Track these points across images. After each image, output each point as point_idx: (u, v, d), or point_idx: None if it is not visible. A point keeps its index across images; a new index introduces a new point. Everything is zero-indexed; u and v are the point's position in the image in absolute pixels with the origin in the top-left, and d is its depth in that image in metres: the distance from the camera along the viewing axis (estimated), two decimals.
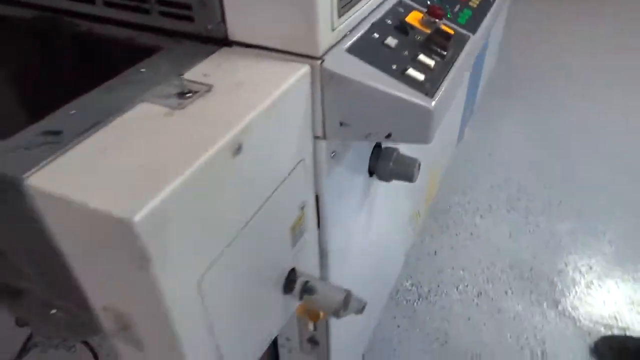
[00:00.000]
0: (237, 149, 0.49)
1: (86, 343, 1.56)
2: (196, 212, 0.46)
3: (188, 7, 0.64)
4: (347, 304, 0.69)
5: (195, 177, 0.44)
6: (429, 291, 1.72)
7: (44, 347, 1.42)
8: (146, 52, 0.64)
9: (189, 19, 0.64)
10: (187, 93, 0.54)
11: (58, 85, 0.73)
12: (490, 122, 2.50)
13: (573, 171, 2.20)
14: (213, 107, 0.52)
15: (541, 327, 1.60)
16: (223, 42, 0.64)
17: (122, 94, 0.54)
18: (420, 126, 0.63)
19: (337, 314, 0.69)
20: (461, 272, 1.79)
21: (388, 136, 0.64)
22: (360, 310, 0.78)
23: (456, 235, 1.93)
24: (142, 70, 0.59)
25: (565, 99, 2.68)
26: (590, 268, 1.78)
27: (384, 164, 0.89)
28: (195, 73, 0.58)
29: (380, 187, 1.02)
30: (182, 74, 0.55)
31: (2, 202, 0.47)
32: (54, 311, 0.64)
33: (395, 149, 0.90)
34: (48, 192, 0.42)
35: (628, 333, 1.57)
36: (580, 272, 1.77)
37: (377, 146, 0.90)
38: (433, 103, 0.61)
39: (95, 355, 1.53)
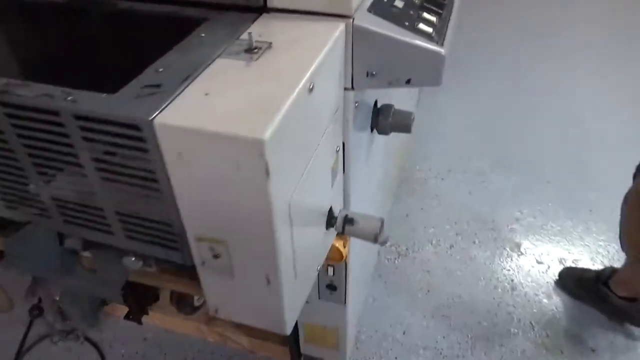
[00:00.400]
0: (311, 88, 0.59)
1: (89, 340, 1.59)
2: (291, 136, 0.56)
3: None
4: (382, 229, 0.81)
5: (292, 106, 0.54)
6: (407, 249, 1.88)
7: (60, 336, 1.43)
8: (193, 23, 0.72)
9: None
10: (254, 49, 0.63)
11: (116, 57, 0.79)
12: (440, 92, 2.69)
13: (517, 131, 2.44)
14: (281, 59, 0.62)
15: (508, 267, 1.80)
16: (262, 10, 0.73)
17: (197, 53, 0.63)
18: (435, 70, 0.75)
19: (376, 238, 0.80)
20: (432, 229, 1.96)
21: (408, 81, 0.76)
22: (385, 242, 0.90)
23: (423, 198, 2.10)
24: (202, 35, 0.67)
25: (509, 66, 2.94)
26: (542, 213, 2.01)
27: (384, 119, 1.01)
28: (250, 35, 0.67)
29: (378, 144, 1.15)
30: (250, 33, 0.64)
31: (125, 148, 0.54)
32: (133, 258, 0.71)
33: (391, 106, 1.03)
34: (179, 126, 0.51)
35: (580, 264, 1.80)
36: (534, 217, 1.99)
37: (374, 105, 1.03)
38: (443, 50, 0.74)
39: (99, 351, 1.56)
